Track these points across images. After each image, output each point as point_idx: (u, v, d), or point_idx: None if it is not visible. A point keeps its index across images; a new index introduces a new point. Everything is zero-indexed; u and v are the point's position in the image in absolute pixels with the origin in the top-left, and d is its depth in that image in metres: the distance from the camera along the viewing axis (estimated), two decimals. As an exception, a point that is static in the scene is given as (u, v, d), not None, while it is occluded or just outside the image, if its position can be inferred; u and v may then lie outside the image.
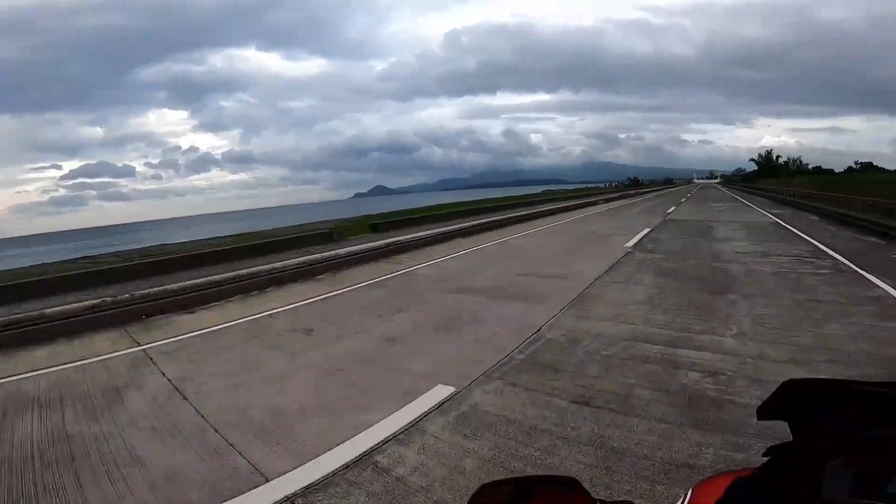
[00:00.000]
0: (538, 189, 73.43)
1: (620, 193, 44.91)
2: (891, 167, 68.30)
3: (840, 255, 8.31)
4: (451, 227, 14.53)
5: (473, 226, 15.26)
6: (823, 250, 8.93)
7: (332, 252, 10.08)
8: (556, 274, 7.76)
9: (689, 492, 0.72)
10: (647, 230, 13.28)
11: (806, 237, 10.92)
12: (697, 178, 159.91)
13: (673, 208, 23.45)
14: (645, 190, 56.53)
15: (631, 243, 10.74)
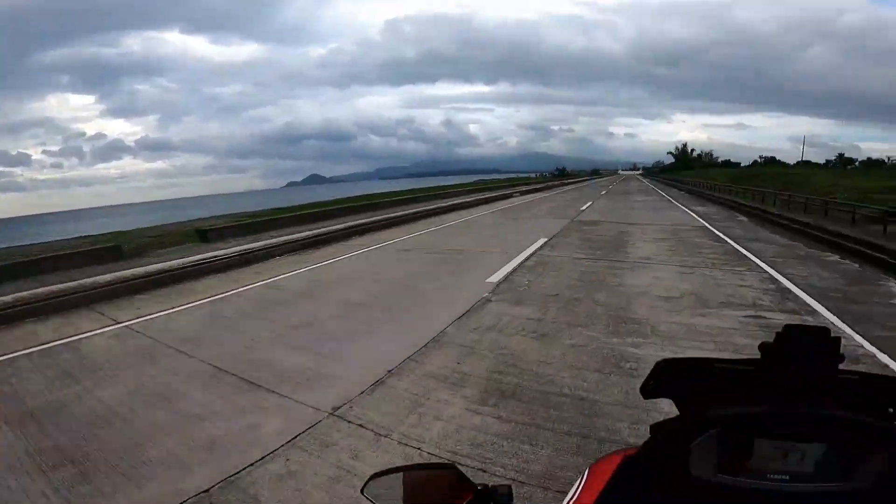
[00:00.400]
0: (475, 178, 72.41)
1: (545, 184, 42.67)
2: (790, 161, 73.56)
3: (829, 308, 4.76)
4: (294, 237, 10.57)
5: (328, 232, 11.29)
6: (794, 293, 5.39)
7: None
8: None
9: (587, 471, 0.84)
10: (541, 242, 9.46)
11: (753, 257, 7.52)
12: (622, 170, 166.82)
13: (589, 203, 20.26)
14: (571, 181, 55.49)
15: (499, 275, 6.65)
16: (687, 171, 69.20)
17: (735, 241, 9.13)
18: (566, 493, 0.80)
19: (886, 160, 68.83)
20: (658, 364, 0.71)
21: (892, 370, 3.36)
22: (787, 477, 0.62)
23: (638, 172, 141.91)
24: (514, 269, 7.01)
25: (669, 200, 22.58)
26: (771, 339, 0.64)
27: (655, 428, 0.71)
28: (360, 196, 25.60)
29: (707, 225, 12.02)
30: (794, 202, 15.26)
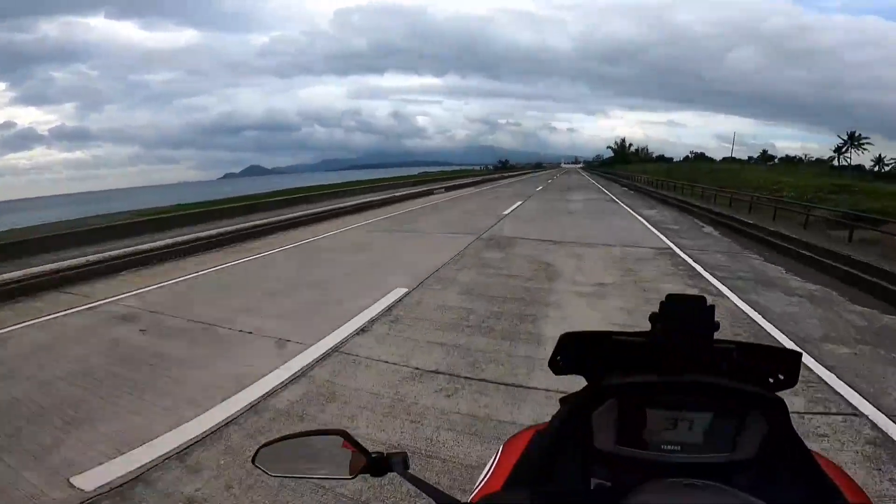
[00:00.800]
0: (421, 170, 71.88)
1: (483, 178, 39.01)
2: (716, 157, 76.34)
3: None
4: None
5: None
6: None
7: None
8: None
9: (500, 448, 0.89)
10: (388, 300, 4.84)
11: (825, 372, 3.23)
12: (564, 164, 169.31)
13: (518, 204, 16.19)
14: (512, 174, 53.52)
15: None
16: (624, 164, 68.82)
17: (737, 294, 5.04)
18: None
19: (804, 157, 72.99)
20: (562, 337, 0.76)
21: None
22: (679, 448, 0.67)
23: (579, 166, 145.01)
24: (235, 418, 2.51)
25: (613, 200, 19.06)
26: None
27: (563, 401, 0.79)
28: (241, 197, 19.83)
29: (671, 245, 8.06)
30: (737, 200, 13.98)
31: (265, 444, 0.73)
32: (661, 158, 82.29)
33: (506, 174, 50.77)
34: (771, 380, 0.71)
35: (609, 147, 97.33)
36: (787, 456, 0.65)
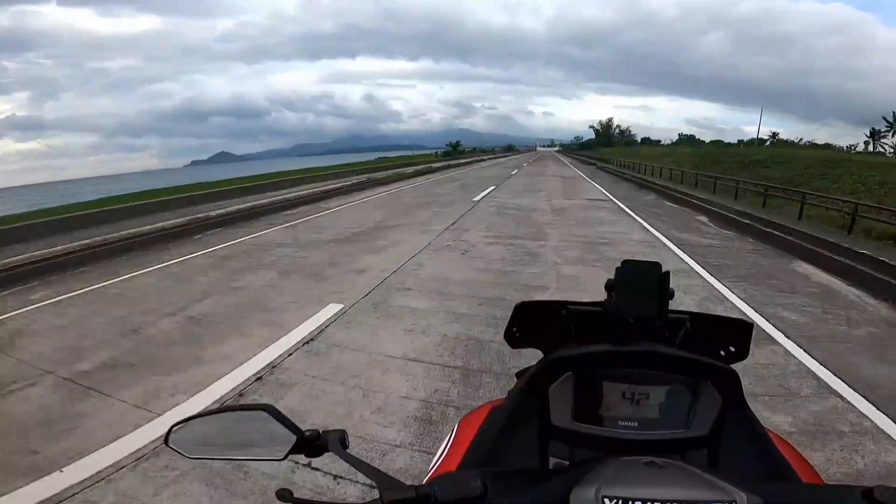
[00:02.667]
0: (379, 156, 66.89)
1: (427, 165, 29.30)
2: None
3: None
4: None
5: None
6: None
7: None
8: None
9: (456, 425, 0.87)
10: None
11: None
12: (540, 147, 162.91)
13: (450, 223, 8.80)
14: (469, 159, 41.20)
15: None
16: (607, 148, 62.57)
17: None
18: None
19: (798, 141, 69.59)
20: (517, 306, 0.80)
21: None
22: (636, 424, 0.66)
23: (555, 149, 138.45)
24: None
25: (611, 200, 12.01)
26: None
27: (519, 375, 0.81)
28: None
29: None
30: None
31: (178, 423, 0.65)
32: (647, 141, 76.31)
33: (460, 159, 37.96)
34: (723, 352, 0.79)
35: (591, 127, 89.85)
36: (740, 433, 0.66)
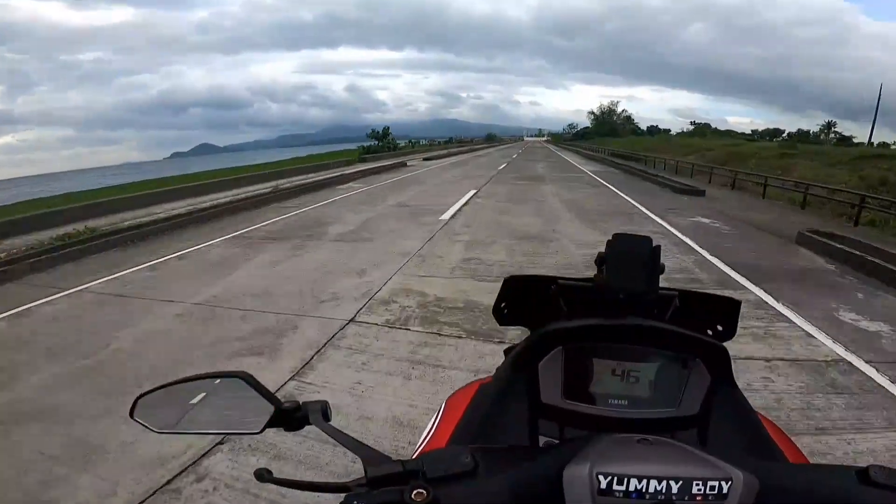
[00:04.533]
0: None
1: (354, 169, 19.37)
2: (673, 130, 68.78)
3: None
4: None
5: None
6: None
7: None
8: None
9: (444, 403, 0.86)
10: None
11: None
12: (527, 136, 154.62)
13: None
14: (397, 161, 31.81)
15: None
16: (611, 137, 54.36)
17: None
18: None
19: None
20: (506, 280, 0.79)
21: None
22: (626, 402, 0.65)
23: (543, 139, 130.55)
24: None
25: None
26: None
27: (508, 351, 0.78)
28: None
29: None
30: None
31: (144, 394, 0.61)
32: (655, 130, 67.41)
33: (367, 167, 21.01)
34: (710, 331, 0.79)
35: (590, 113, 77.68)
36: (729, 412, 0.66)
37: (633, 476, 0.41)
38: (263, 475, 0.49)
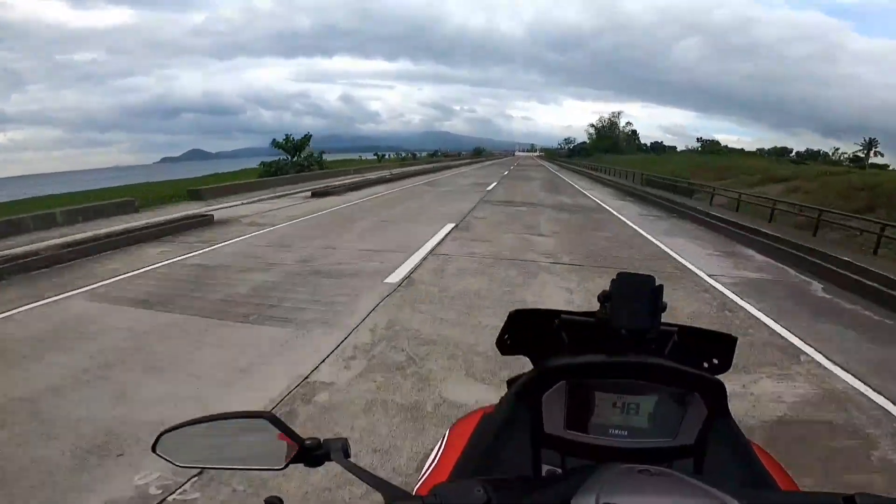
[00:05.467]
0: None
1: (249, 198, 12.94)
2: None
3: None
4: None
5: None
6: None
7: None
8: None
9: (447, 432, 0.89)
10: None
11: None
12: (519, 151, 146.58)
13: None
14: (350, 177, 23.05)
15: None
16: (616, 155, 45.38)
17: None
18: None
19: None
20: (511, 314, 0.80)
21: None
22: (626, 433, 0.67)
23: (536, 154, 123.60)
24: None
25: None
26: None
27: (511, 382, 0.80)
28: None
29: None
30: None
31: (168, 430, 0.62)
32: (658, 147, 59.00)
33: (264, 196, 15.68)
34: (706, 364, 0.80)
35: (591, 126, 68.00)
36: (724, 442, 0.68)
37: None
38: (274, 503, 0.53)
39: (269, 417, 0.59)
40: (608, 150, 54.29)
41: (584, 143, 70.58)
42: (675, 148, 60.28)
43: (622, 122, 66.07)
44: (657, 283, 0.71)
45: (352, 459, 0.59)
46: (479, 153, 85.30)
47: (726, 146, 55.33)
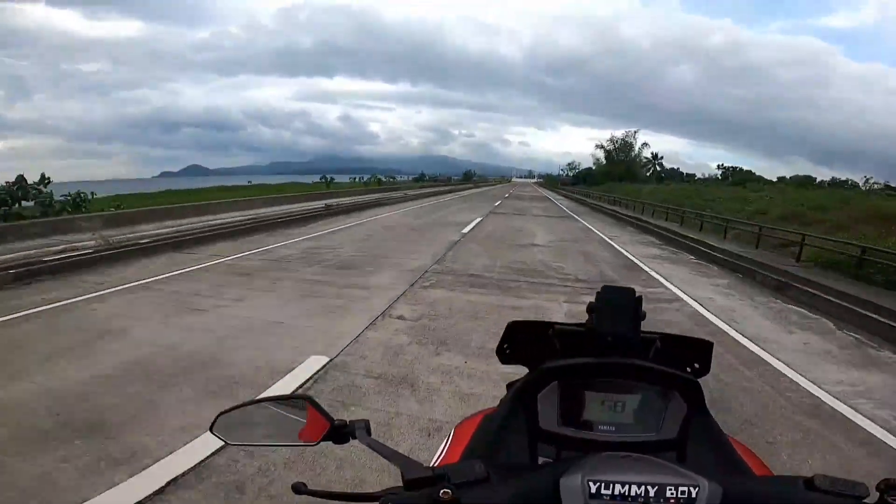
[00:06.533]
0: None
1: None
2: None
3: None
4: None
5: None
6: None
7: None
8: None
9: (452, 431, 0.96)
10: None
11: None
12: (517, 178, 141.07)
13: None
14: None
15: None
16: (628, 184, 38.21)
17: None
18: None
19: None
20: (509, 325, 0.90)
21: None
22: (614, 428, 0.74)
23: (533, 180, 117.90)
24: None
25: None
26: None
27: (510, 385, 0.88)
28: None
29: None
30: None
31: (224, 412, 0.71)
32: (675, 174, 51.01)
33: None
34: (688, 369, 0.87)
35: (599, 147, 57.25)
36: (703, 436, 0.74)
37: (618, 482, 0.49)
38: (300, 488, 0.59)
39: (308, 399, 0.68)
40: (621, 176, 45.88)
41: (590, 168, 61.82)
42: (693, 176, 52.46)
43: (639, 142, 55.28)
44: (637, 295, 0.81)
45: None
46: (468, 178, 77.26)
47: (760, 177, 47.71)
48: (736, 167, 50.94)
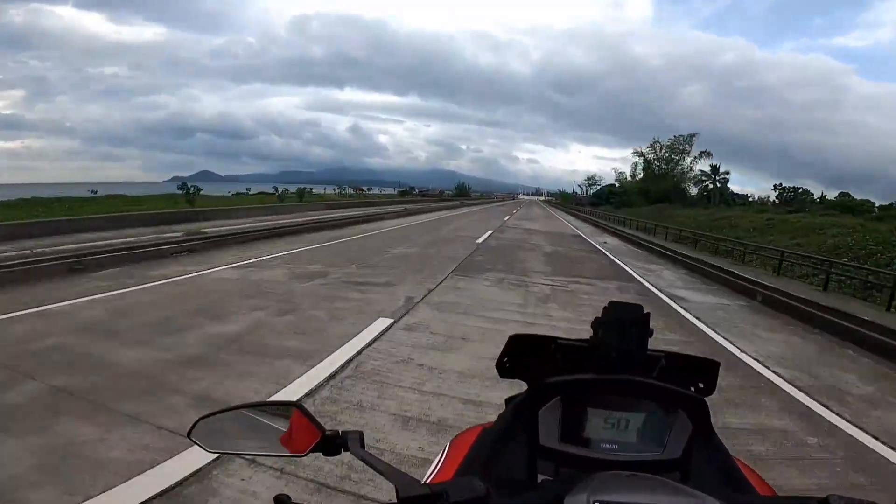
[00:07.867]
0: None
1: None
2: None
3: None
4: None
5: None
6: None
7: None
8: None
9: (448, 444, 0.94)
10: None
11: None
12: (524, 195, 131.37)
13: None
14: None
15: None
16: (668, 205, 27.41)
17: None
18: None
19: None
20: (510, 338, 0.83)
21: None
22: (617, 446, 0.71)
23: (541, 198, 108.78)
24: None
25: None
26: None
27: (509, 400, 0.85)
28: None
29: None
30: None
31: (204, 417, 0.67)
32: (729, 199, 38.02)
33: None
34: (693, 388, 0.81)
35: (638, 153, 43.20)
36: (708, 456, 0.72)
37: (624, 503, 0.48)
38: (283, 500, 0.56)
39: (298, 406, 0.64)
40: (658, 198, 34.56)
41: (613, 185, 50.40)
42: (747, 197, 40.33)
43: (691, 155, 40.17)
44: (644, 312, 0.75)
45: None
46: (462, 193, 65.67)
47: (818, 198, 37.40)
48: (794, 187, 39.53)
